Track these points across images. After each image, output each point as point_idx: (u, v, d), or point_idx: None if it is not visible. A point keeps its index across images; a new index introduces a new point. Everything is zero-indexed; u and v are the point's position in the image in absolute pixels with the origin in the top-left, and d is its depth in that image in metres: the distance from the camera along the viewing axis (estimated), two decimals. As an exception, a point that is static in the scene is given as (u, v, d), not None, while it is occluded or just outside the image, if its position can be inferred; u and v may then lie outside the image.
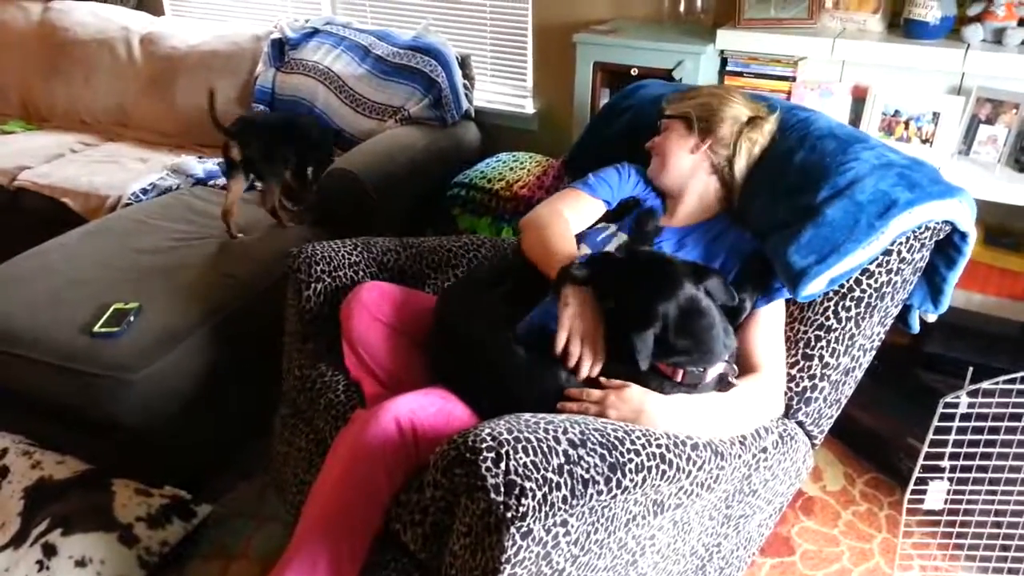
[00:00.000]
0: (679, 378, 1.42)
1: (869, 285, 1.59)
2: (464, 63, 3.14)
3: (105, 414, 2.03)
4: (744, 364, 1.56)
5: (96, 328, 2.06)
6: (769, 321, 1.61)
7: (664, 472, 1.31)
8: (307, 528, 1.48)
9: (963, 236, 1.61)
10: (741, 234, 1.71)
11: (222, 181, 3.00)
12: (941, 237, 1.61)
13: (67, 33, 3.60)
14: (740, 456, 1.47)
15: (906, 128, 2.34)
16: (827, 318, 1.61)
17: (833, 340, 1.61)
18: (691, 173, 1.76)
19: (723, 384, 1.46)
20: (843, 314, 1.60)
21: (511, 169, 2.90)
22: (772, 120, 1.76)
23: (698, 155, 1.75)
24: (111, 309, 2.13)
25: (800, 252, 1.54)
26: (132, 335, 2.06)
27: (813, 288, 1.54)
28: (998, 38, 2.19)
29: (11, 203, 3.04)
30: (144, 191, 2.90)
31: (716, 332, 1.41)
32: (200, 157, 3.17)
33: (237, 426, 2.32)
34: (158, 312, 2.14)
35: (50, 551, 1.82)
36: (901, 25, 2.32)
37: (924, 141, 2.32)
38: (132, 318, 2.10)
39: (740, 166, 1.73)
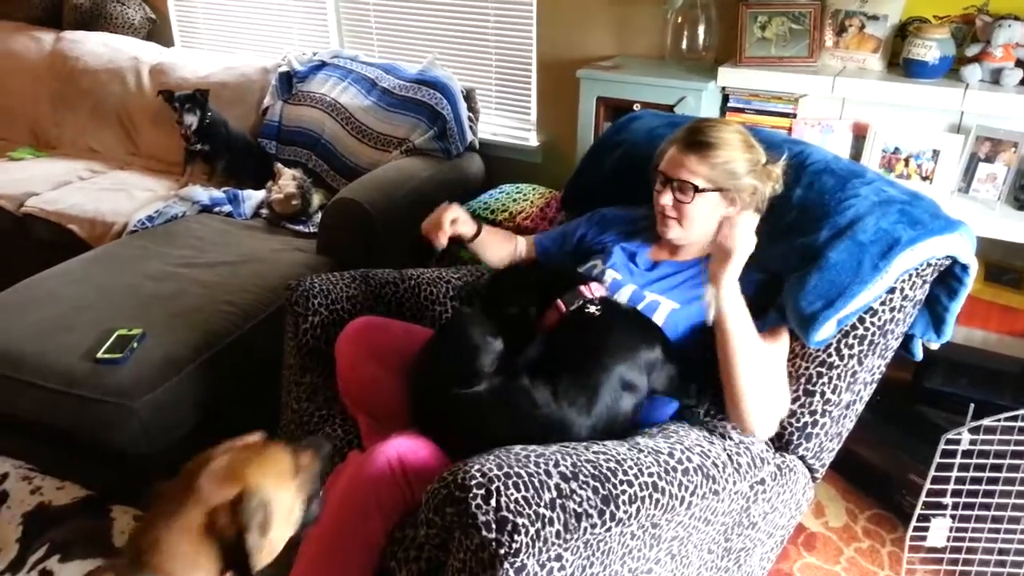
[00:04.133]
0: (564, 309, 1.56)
1: (872, 323, 1.59)
2: (469, 96, 3.17)
3: (107, 440, 2.03)
4: None
5: (100, 354, 2.07)
6: (772, 349, 1.60)
7: (658, 501, 1.31)
8: (305, 567, 1.48)
9: (964, 268, 1.61)
10: (745, 269, 1.70)
11: (228, 208, 3.04)
12: (942, 271, 1.62)
13: (78, 62, 3.65)
14: (736, 484, 1.47)
15: (906, 165, 2.36)
16: (829, 355, 1.61)
17: (835, 377, 1.61)
18: (712, 229, 1.71)
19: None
20: (845, 351, 1.60)
21: (514, 200, 2.93)
22: (780, 164, 1.71)
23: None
24: (115, 335, 2.14)
25: (807, 298, 1.54)
26: (135, 361, 2.07)
27: (824, 333, 1.54)
28: (996, 78, 2.22)
29: (18, 229, 3.07)
30: (150, 218, 2.93)
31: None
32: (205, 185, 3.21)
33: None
34: (161, 338, 2.16)
35: None
36: (901, 64, 2.35)
37: (924, 178, 2.34)
38: (135, 344, 2.11)
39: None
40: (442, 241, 1.77)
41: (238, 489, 1.13)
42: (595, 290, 1.60)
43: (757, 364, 1.51)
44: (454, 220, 1.80)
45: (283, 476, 1.20)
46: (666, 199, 1.68)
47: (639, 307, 1.66)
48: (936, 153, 2.32)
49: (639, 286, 1.72)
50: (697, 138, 1.65)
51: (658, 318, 1.64)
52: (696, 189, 1.64)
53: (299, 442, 1.29)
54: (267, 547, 1.16)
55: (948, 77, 2.29)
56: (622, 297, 1.70)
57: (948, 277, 1.64)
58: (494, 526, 1.15)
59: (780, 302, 1.62)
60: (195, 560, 1.11)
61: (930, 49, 2.25)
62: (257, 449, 1.22)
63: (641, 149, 1.96)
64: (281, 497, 1.19)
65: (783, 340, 1.64)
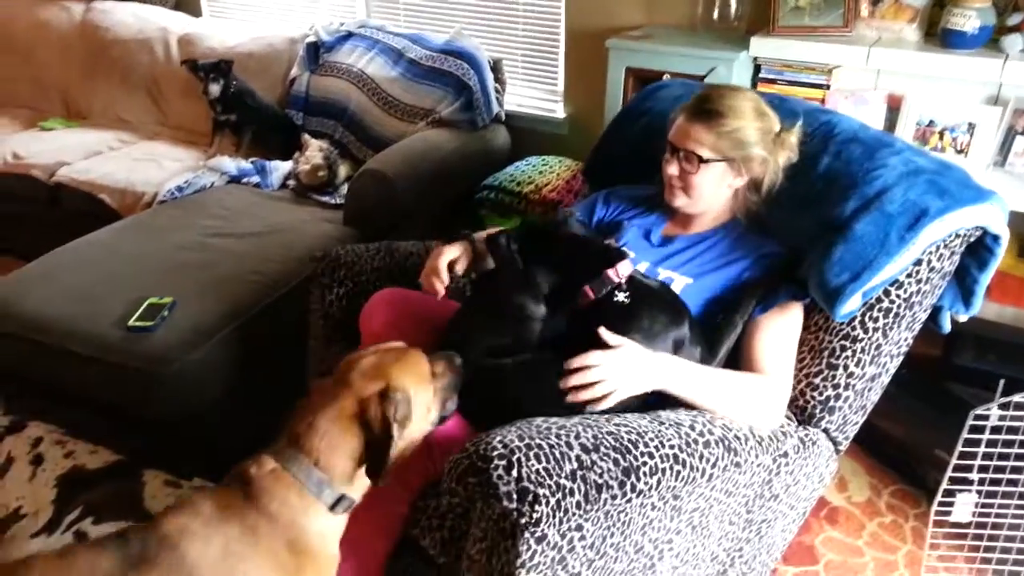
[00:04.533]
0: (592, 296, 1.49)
1: (898, 296, 1.57)
2: (496, 67, 3.15)
3: (138, 406, 2.07)
4: (749, 367, 1.57)
5: (131, 322, 2.11)
6: (780, 328, 1.59)
7: (678, 473, 1.32)
8: None
9: (995, 238, 1.57)
10: (762, 240, 1.69)
11: (256, 179, 3.06)
12: (972, 241, 1.58)
13: (107, 33, 3.68)
14: (758, 457, 1.47)
15: (940, 138, 2.31)
16: (853, 328, 1.59)
17: (859, 350, 1.59)
18: (721, 199, 1.71)
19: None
20: (870, 324, 1.58)
21: (540, 173, 2.92)
22: (796, 132, 1.67)
23: (733, 187, 1.69)
24: (146, 303, 2.17)
25: (833, 270, 1.51)
26: (165, 329, 2.10)
27: (850, 306, 1.52)
28: (1037, 48, 2.16)
29: (50, 198, 3.12)
30: (179, 188, 2.96)
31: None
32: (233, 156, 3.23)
33: (266, 420, 2.35)
34: (191, 307, 2.19)
35: (81, 539, 1.88)
36: (938, 34, 2.29)
37: (959, 152, 2.29)
38: (166, 312, 2.14)
39: (767, 185, 1.66)
40: (440, 289, 1.64)
41: (384, 384, 1.30)
42: (622, 271, 1.54)
43: (724, 398, 1.49)
44: (451, 262, 1.67)
45: (422, 377, 1.36)
46: (672, 169, 1.66)
47: None
48: (972, 126, 2.27)
49: (652, 263, 1.70)
50: (705, 106, 1.61)
51: None
52: (701, 160, 1.61)
53: (434, 354, 1.44)
54: (405, 438, 1.32)
55: (987, 47, 2.23)
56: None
57: (978, 247, 1.60)
58: (515, 496, 1.17)
59: (800, 275, 1.59)
60: (341, 444, 1.28)
61: (969, 19, 2.19)
62: (400, 353, 1.39)
63: (665, 119, 1.90)
64: (420, 395, 1.35)
65: (792, 316, 1.61)
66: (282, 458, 1.27)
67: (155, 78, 3.60)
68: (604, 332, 1.43)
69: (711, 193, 1.66)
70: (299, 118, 3.31)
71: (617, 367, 1.40)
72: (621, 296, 1.50)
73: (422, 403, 1.35)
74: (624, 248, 1.63)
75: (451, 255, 1.66)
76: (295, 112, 3.32)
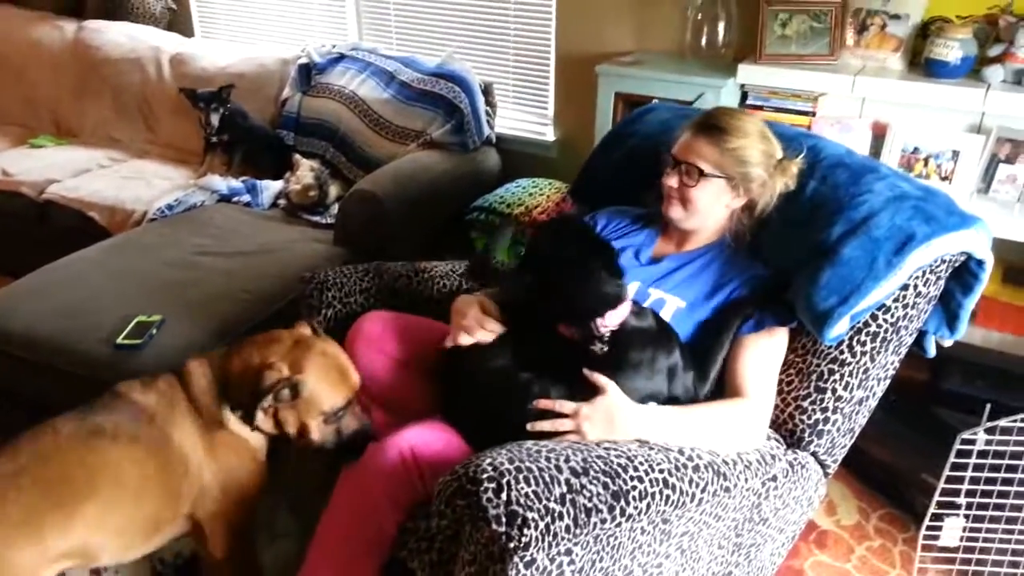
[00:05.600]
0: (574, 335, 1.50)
1: (885, 320, 1.58)
2: (487, 90, 3.18)
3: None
4: (730, 388, 1.57)
5: (120, 340, 2.10)
6: (764, 350, 1.60)
7: (668, 497, 1.32)
8: (318, 557, 1.50)
9: (980, 263, 1.59)
10: (750, 263, 1.70)
11: (246, 198, 3.06)
12: (957, 266, 1.60)
13: (99, 52, 3.68)
14: (747, 481, 1.47)
15: (925, 165, 2.35)
16: (841, 352, 1.60)
17: (847, 374, 1.60)
18: (716, 218, 1.72)
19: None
20: (858, 348, 1.59)
21: (530, 195, 2.93)
22: (798, 162, 1.69)
23: (730, 207, 1.70)
24: (134, 321, 2.16)
25: (820, 294, 1.52)
26: (154, 347, 2.09)
27: (838, 329, 1.53)
28: (1019, 79, 2.20)
29: (39, 215, 3.11)
30: (169, 207, 2.96)
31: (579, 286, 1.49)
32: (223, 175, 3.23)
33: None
34: (179, 325, 2.18)
35: None
36: (922, 64, 2.33)
37: (943, 179, 2.32)
38: (155, 330, 2.13)
39: (760, 208, 1.68)
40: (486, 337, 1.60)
41: (296, 368, 1.54)
42: (610, 321, 1.50)
43: (704, 436, 1.48)
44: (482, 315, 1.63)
45: (333, 392, 1.57)
46: (672, 181, 1.67)
47: (646, 304, 1.63)
48: (956, 154, 2.30)
49: (644, 283, 1.71)
50: (711, 122, 1.64)
51: (664, 315, 1.63)
52: (701, 173, 1.62)
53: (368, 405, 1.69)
54: (290, 423, 1.58)
55: (969, 77, 2.28)
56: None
57: (963, 272, 1.62)
58: (504, 519, 1.16)
59: (788, 298, 1.61)
60: (239, 384, 1.54)
61: (952, 49, 2.23)
62: (339, 367, 1.59)
63: (651, 141, 1.94)
64: (318, 399, 1.55)
65: (778, 339, 1.62)
66: (212, 365, 1.59)
67: (146, 97, 3.60)
68: (588, 373, 1.46)
69: (707, 209, 1.67)
70: (290, 138, 3.32)
71: (589, 421, 1.42)
72: (597, 347, 1.49)
73: (315, 407, 1.55)
74: (624, 289, 1.56)
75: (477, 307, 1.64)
76: (286, 132, 3.33)
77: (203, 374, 1.58)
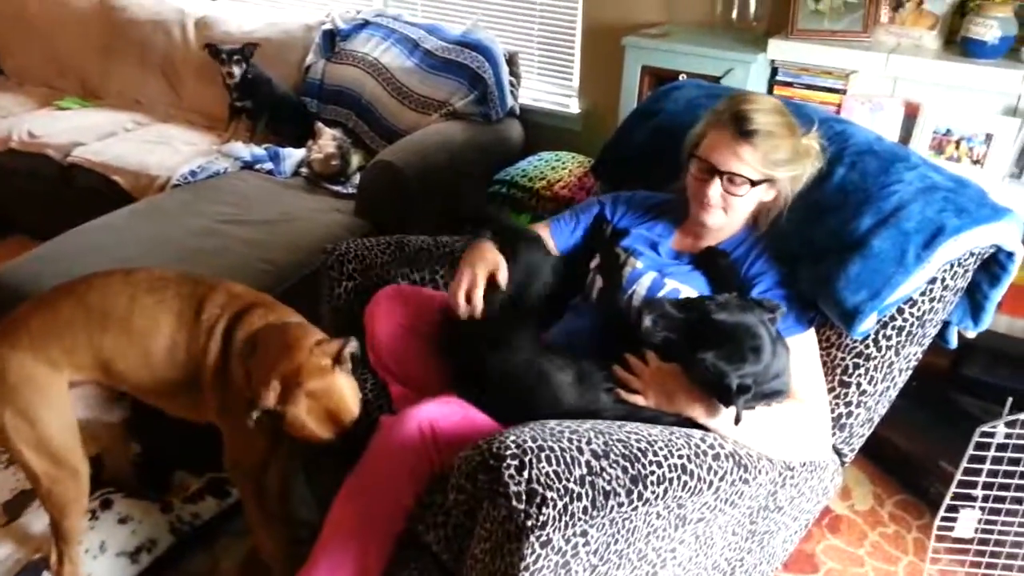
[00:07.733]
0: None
1: (911, 314, 1.56)
2: (511, 60, 3.14)
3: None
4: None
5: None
6: (804, 351, 1.56)
7: (686, 483, 1.32)
8: (334, 528, 1.51)
9: (1009, 255, 1.56)
10: (767, 256, 1.65)
11: (268, 166, 3.06)
12: (985, 258, 1.58)
13: (124, 13, 3.67)
14: (766, 472, 1.47)
15: (957, 148, 2.30)
16: (867, 346, 1.58)
17: (872, 368, 1.58)
18: (746, 214, 1.67)
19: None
20: (883, 343, 1.57)
21: (553, 169, 2.91)
22: (814, 136, 1.63)
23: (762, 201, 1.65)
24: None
25: (850, 288, 1.50)
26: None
27: (868, 324, 1.51)
28: (1059, 60, 2.15)
29: (63, 178, 3.13)
30: (193, 173, 2.96)
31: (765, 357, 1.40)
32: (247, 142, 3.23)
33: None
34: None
35: (106, 505, 2.00)
36: (958, 43, 2.28)
37: (975, 162, 2.28)
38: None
39: (785, 197, 1.63)
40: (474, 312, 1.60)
41: (296, 378, 1.52)
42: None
43: (767, 435, 1.47)
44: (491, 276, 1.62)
45: (321, 386, 1.55)
46: (713, 190, 1.58)
47: (660, 294, 1.60)
48: (989, 137, 2.25)
49: (660, 273, 1.65)
50: (747, 127, 1.53)
51: None
52: (752, 183, 1.56)
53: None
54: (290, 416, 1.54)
55: (1007, 57, 2.22)
56: (643, 285, 1.63)
57: (991, 264, 1.59)
58: (524, 497, 1.17)
59: (804, 291, 1.57)
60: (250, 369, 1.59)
61: (991, 28, 2.17)
62: (333, 386, 1.56)
63: (677, 120, 1.88)
64: (305, 400, 1.53)
65: (811, 337, 1.59)
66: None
67: (171, 60, 3.60)
68: (650, 355, 1.50)
69: (747, 209, 1.64)
70: (313, 105, 3.31)
71: (657, 387, 1.47)
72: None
73: (301, 432, 1.54)
74: (632, 256, 1.66)
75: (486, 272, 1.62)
76: (309, 99, 3.32)
77: (248, 329, 1.66)
